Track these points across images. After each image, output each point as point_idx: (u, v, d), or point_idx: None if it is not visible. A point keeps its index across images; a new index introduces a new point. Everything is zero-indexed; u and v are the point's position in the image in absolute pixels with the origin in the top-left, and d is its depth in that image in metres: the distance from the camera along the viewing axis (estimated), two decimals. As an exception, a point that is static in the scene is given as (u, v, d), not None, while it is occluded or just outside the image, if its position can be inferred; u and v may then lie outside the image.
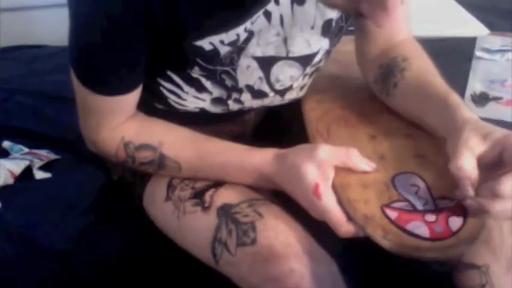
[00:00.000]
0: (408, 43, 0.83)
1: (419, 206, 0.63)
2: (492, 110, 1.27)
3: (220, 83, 0.75)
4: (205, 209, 0.71)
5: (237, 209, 0.69)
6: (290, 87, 0.80)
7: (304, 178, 0.65)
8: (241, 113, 0.84)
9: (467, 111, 0.67)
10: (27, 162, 1.04)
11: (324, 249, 0.67)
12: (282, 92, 0.80)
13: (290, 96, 0.82)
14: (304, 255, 0.64)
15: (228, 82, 0.75)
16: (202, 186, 0.73)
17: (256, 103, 0.81)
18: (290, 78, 0.78)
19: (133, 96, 0.73)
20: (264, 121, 0.96)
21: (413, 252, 0.59)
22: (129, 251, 0.87)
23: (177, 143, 0.75)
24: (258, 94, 0.78)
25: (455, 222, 0.60)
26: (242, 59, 0.72)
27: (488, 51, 1.52)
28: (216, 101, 0.78)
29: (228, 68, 0.73)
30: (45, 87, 1.33)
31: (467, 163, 0.60)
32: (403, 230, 0.60)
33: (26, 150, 1.09)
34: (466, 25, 1.70)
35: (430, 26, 1.63)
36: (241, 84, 0.76)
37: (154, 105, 0.81)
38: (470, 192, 0.59)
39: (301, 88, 0.83)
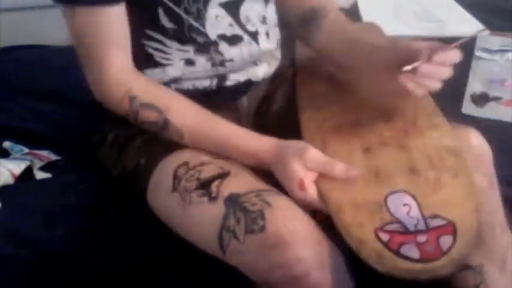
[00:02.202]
0: None
1: (411, 226, 0.63)
2: (492, 110, 1.27)
3: (191, 41, 0.80)
4: (212, 199, 0.72)
5: (244, 199, 0.69)
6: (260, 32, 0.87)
7: (291, 172, 0.71)
8: (233, 93, 0.89)
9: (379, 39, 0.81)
10: (27, 163, 1.04)
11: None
12: (254, 35, 0.86)
13: (264, 45, 0.88)
14: (311, 243, 0.65)
15: (200, 39, 0.80)
16: (208, 177, 0.74)
17: (235, 52, 0.84)
18: (258, 16, 0.85)
19: (120, 19, 0.77)
20: (258, 121, 0.96)
21: (406, 274, 0.60)
22: (130, 249, 0.87)
23: (182, 110, 0.79)
24: (233, 40, 0.83)
25: (446, 241, 0.61)
26: (209, 10, 0.78)
27: (488, 51, 1.52)
28: (200, 50, 0.82)
29: (196, 24, 0.78)
30: (45, 87, 1.33)
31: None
32: (396, 254, 0.61)
33: (27, 150, 1.09)
34: (466, 25, 1.70)
35: (430, 26, 1.63)
36: (213, 36, 0.81)
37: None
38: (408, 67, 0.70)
39: (267, 34, 0.89)
